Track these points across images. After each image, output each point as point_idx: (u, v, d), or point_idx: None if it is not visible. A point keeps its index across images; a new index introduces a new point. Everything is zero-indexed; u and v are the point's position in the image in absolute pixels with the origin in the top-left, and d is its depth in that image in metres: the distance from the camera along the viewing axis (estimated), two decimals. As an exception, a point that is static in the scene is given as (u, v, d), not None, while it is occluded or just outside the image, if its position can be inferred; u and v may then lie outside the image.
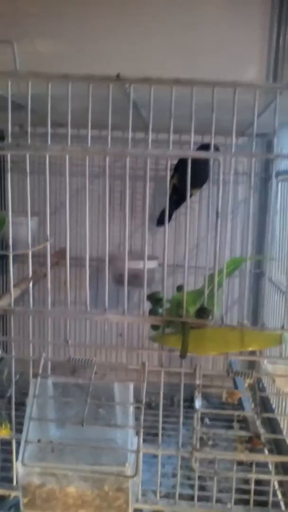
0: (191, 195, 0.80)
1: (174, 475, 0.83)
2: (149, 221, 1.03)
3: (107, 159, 0.72)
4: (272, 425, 1.05)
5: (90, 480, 0.72)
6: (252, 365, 1.18)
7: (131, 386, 0.76)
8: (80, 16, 1.23)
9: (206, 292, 0.76)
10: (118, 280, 1.10)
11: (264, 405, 1.09)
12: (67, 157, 0.70)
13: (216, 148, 0.99)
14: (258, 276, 1.38)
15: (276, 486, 0.85)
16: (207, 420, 1.20)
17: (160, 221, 1.25)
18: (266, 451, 0.93)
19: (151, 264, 1.23)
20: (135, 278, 0.89)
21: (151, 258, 1.21)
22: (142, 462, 0.80)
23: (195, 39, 1.24)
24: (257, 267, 1.37)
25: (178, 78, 0.69)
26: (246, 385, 0.82)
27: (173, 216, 1.27)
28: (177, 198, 1.17)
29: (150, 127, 0.72)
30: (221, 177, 0.74)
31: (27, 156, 0.71)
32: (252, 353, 0.79)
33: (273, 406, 1.10)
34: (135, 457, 0.70)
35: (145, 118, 0.80)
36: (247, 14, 1.22)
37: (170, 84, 0.69)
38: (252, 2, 1.22)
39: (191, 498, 0.83)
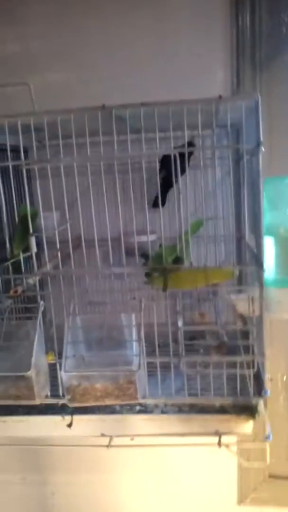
0: (176, 182, 1.09)
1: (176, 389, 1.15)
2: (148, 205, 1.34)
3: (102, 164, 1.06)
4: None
5: (109, 378, 1.06)
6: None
7: (133, 315, 1.10)
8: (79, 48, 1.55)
9: (179, 247, 1.09)
10: (125, 252, 1.43)
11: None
12: (74, 165, 1.04)
13: (192, 144, 1.28)
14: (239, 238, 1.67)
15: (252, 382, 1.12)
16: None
17: (154, 205, 1.55)
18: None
19: (151, 237, 1.54)
20: (139, 249, 1.15)
21: (151, 232, 1.53)
22: (149, 384, 1.12)
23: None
24: (238, 232, 1.66)
25: (144, 102, 1.00)
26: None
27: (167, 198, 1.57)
28: (166, 185, 1.46)
29: (129, 139, 1.05)
30: (187, 168, 1.09)
31: (48, 167, 1.05)
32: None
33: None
34: (138, 359, 1.04)
35: (132, 126, 1.12)
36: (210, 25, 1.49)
37: (139, 107, 1.00)
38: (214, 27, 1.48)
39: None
